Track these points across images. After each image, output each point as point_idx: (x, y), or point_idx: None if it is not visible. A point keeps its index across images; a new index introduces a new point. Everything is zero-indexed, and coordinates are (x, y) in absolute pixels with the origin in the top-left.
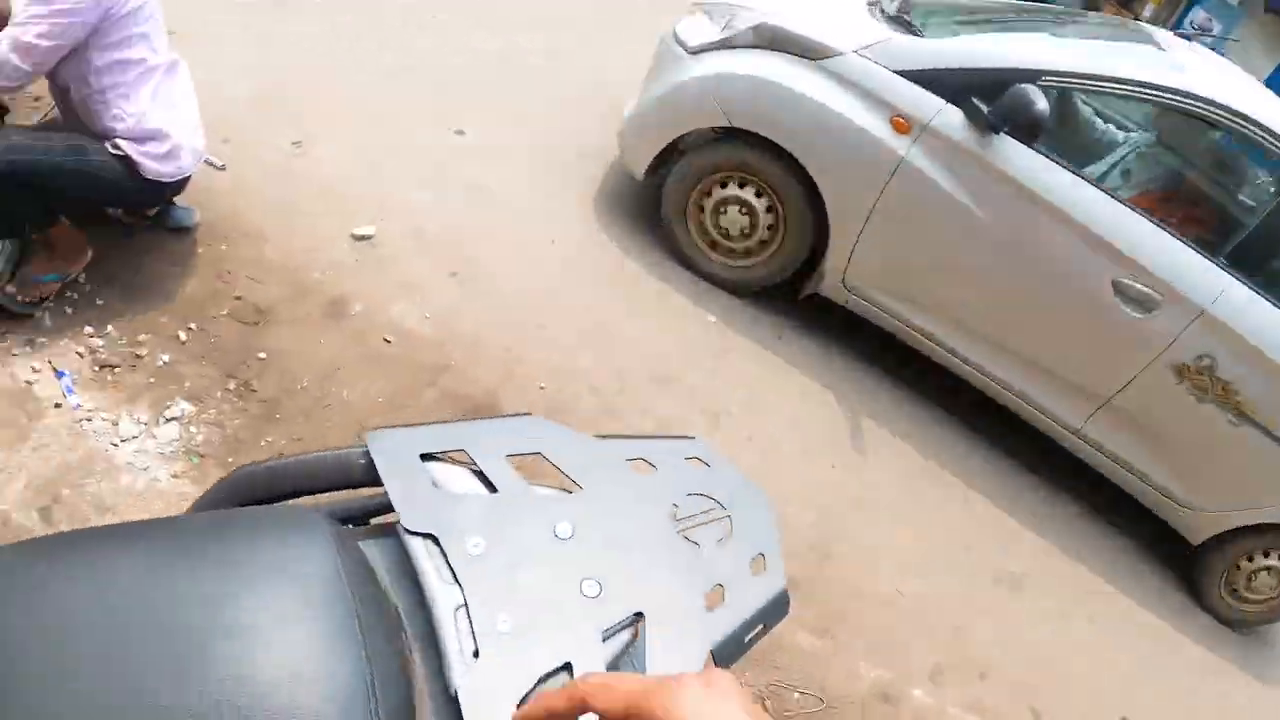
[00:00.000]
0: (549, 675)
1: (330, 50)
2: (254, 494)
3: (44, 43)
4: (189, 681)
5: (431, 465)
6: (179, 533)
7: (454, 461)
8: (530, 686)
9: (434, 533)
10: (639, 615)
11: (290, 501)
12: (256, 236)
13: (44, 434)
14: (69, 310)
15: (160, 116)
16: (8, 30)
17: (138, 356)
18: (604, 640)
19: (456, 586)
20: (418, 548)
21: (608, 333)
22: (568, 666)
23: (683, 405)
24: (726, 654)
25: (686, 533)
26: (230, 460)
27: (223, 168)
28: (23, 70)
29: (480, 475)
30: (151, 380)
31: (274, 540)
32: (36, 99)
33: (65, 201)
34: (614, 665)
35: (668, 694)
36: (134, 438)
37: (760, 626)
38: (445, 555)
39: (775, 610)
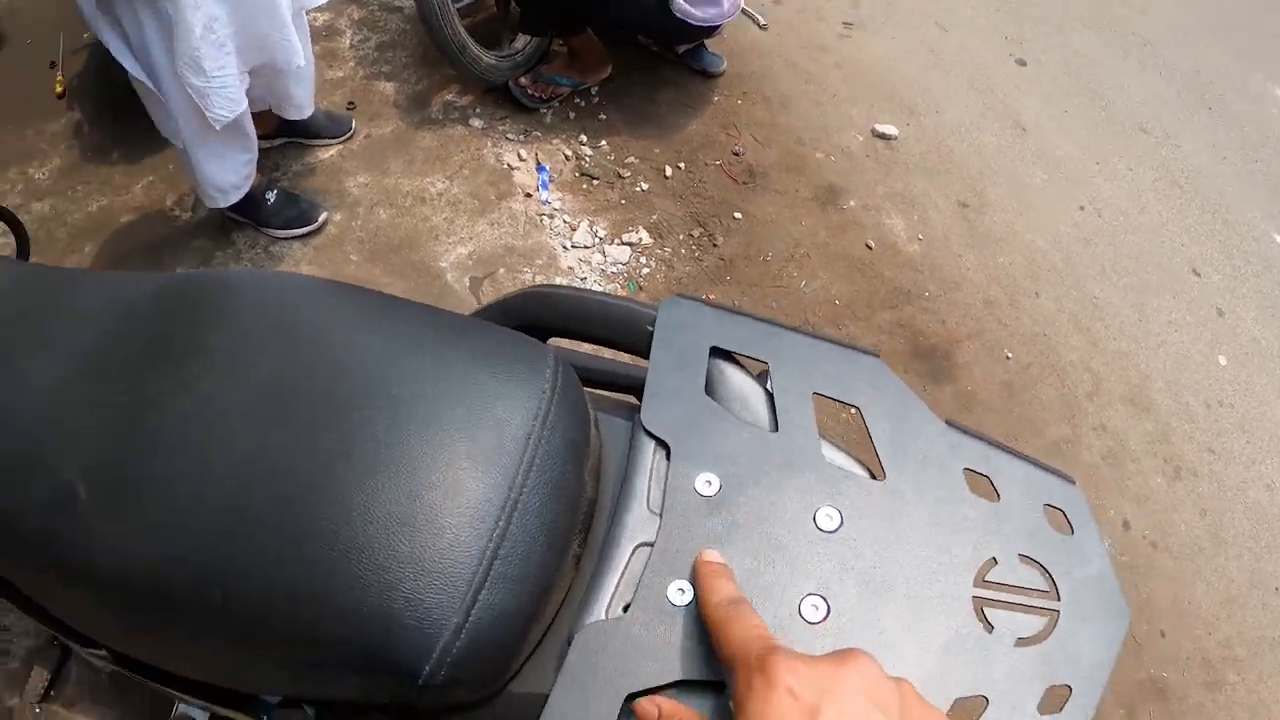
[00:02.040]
0: (692, 684)
1: None
2: (537, 315)
3: None
4: (354, 432)
5: (720, 364)
6: (429, 320)
7: (748, 370)
8: (659, 684)
9: (669, 444)
10: None
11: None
12: (775, 102)
13: (505, 214)
14: (571, 115)
15: None
16: None
17: (619, 176)
18: None
19: (656, 520)
20: (643, 452)
21: (1107, 329)
22: (720, 686)
23: (1152, 442)
24: None
25: (986, 606)
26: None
27: (764, 26)
28: None
29: (772, 400)
30: (623, 201)
31: (496, 362)
32: None
33: (596, 17)
34: None
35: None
36: (585, 247)
37: None
38: (667, 476)
39: None
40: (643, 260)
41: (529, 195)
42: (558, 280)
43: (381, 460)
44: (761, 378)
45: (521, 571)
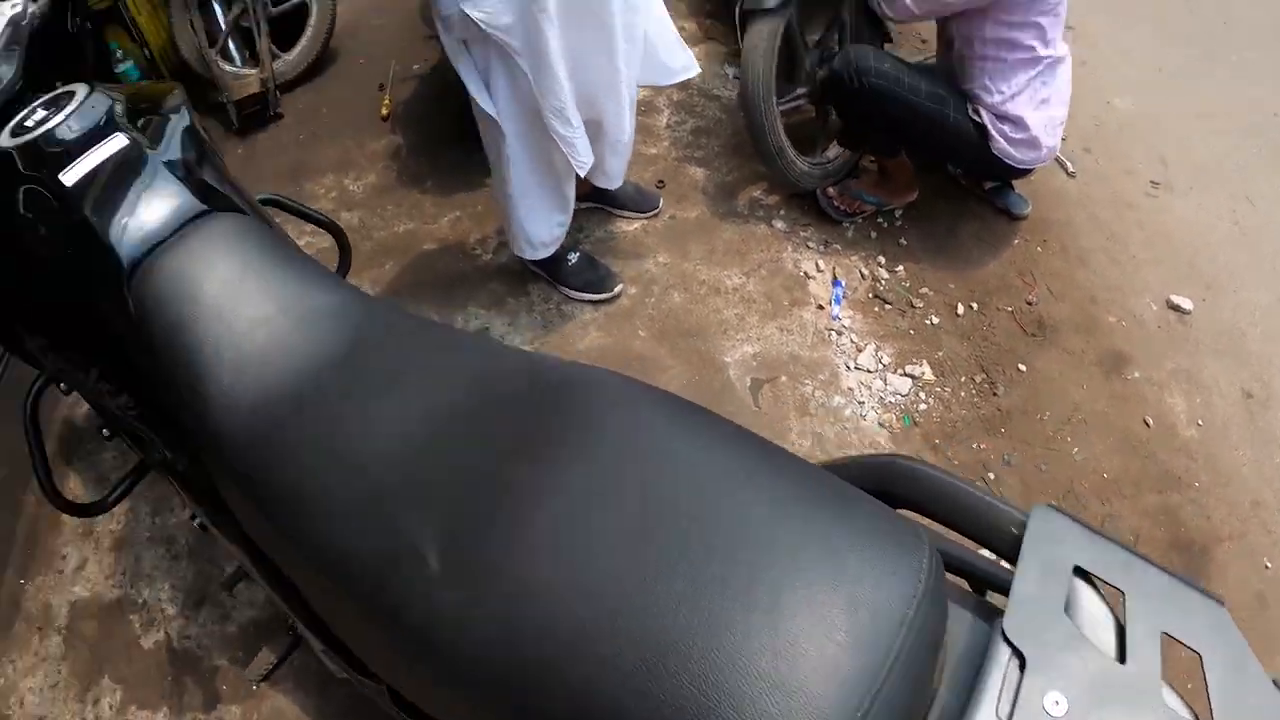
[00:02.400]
0: None
1: (1225, 102)
2: (896, 486)
3: None
4: (730, 578)
5: (1078, 584)
6: (803, 478)
7: (1104, 595)
8: None
9: (1026, 656)
10: None
11: (910, 513)
12: (1074, 254)
13: (795, 322)
14: (873, 234)
15: (1027, 107)
16: None
17: (912, 305)
18: None
19: None
20: (999, 659)
21: None
22: None
23: None
24: None
25: None
26: (936, 442)
27: (1073, 174)
28: (910, 10)
29: (1122, 631)
30: (911, 332)
31: (872, 539)
32: (923, 40)
33: (910, 141)
34: None
35: None
36: (868, 371)
37: None
38: (1019, 687)
39: None
40: (921, 395)
41: (821, 307)
42: (836, 399)
43: (759, 612)
44: (1114, 604)
45: None
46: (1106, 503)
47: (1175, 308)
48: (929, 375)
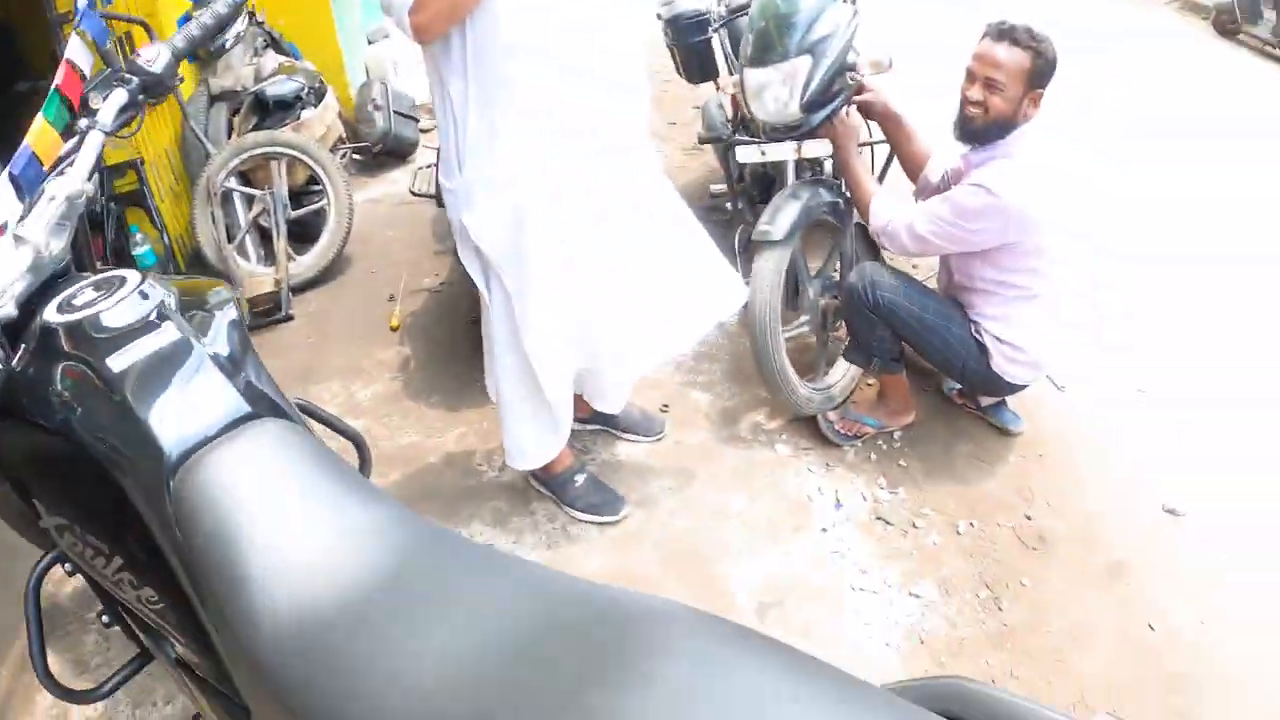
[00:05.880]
0: None
1: (1207, 303)
2: (962, 707)
3: (933, 240)
4: None
5: None
6: (874, 704)
7: None
8: None
9: None
10: None
11: None
12: (1069, 468)
13: (798, 546)
14: (873, 457)
15: (1025, 334)
16: (918, 208)
17: (914, 525)
18: None
19: None
20: None
21: None
22: None
23: None
24: None
25: None
26: (944, 660)
27: (1063, 388)
28: (907, 249)
29: None
30: (914, 552)
31: None
32: (914, 266)
33: (920, 353)
34: None
35: None
36: (873, 592)
37: None
38: None
39: None
40: (926, 614)
41: (824, 530)
42: (843, 622)
43: None
44: None
45: None
46: (1119, 710)
47: (1171, 512)
48: (933, 594)
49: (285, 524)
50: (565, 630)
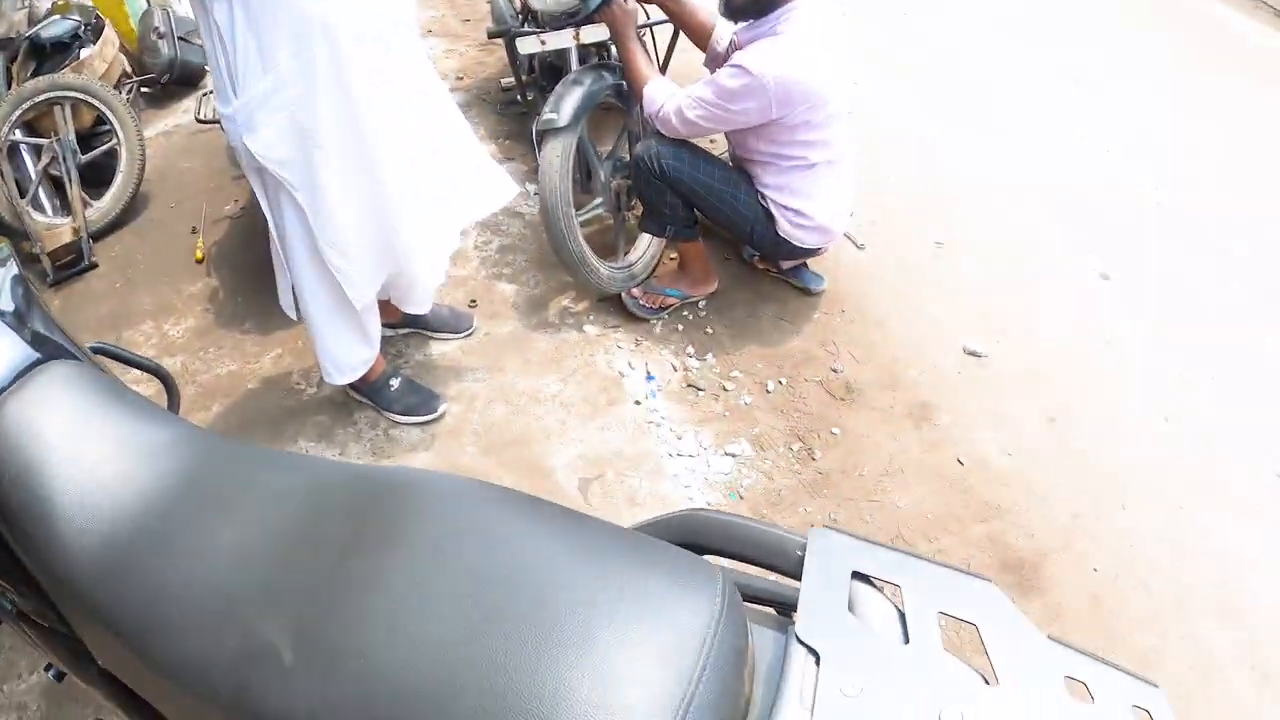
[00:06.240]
0: None
1: (996, 161)
2: (696, 535)
3: (701, 123)
4: (552, 627)
5: (859, 585)
6: (604, 532)
7: (883, 591)
8: None
9: (819, 652)
10: None
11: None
12: (872, 320)
13: (614, 420)
14: (680, 327)
15: (806, 201)
16: (685, 92)
17: (724, 389)
18: None
19: (808, 715)
20: (797, 658)
21: (1193, 539)
22: None
23: (1240, 651)
24: None
25: None
26: (764, 511)
27: (862, 247)
28: (679, 132)
29: (903, 617)
30: (726, 414)
31: (670, 576)
32: (711, 141)
33: (711, 220)
34: None
35: None
36: (690, 456)
37: None
38: (817, 680)
39: None
40: (744, 471)
41: (638, 403)
42: (663, 487)
43: (576, 648)
44: (894, 598)
45: None
46: (934, 540)
47: (972, 353)
48: (748, 451)
49: (84, 456)
50: (338, 511)
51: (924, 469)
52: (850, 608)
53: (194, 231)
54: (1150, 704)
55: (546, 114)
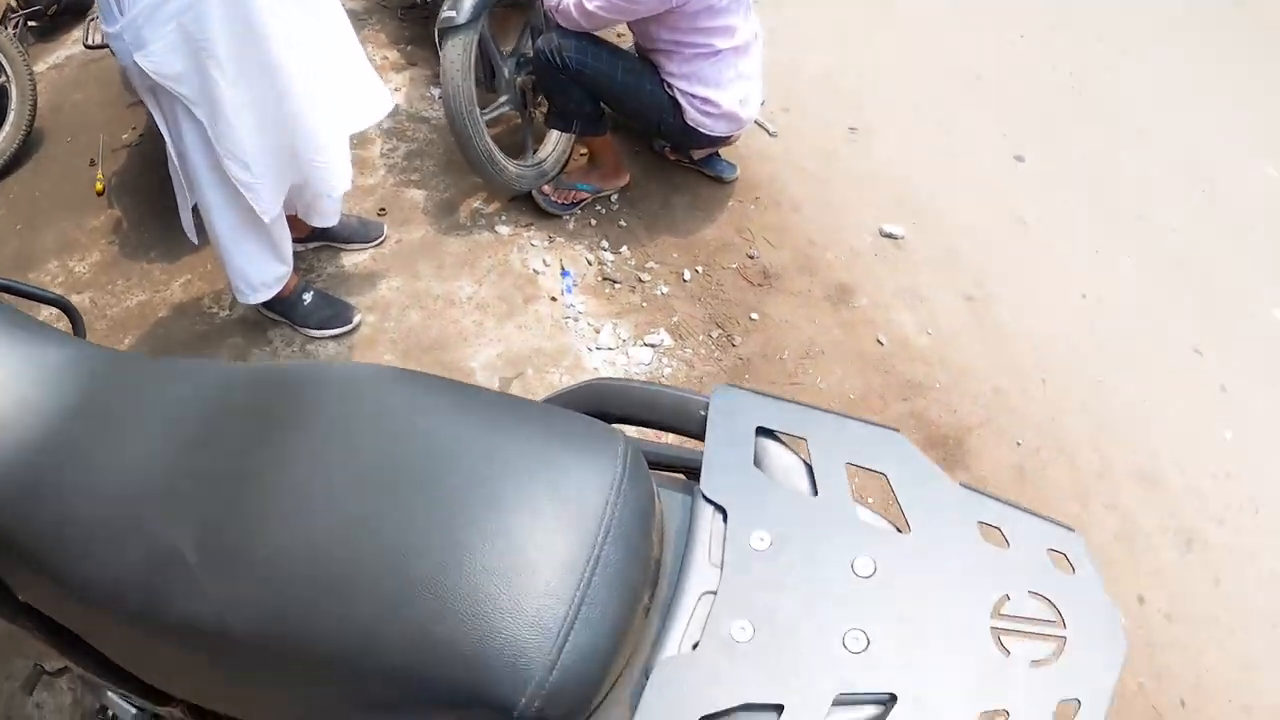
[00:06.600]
0: (755, 707)
1: (908, 48)
2: (601, 404)
3: (601, 14)
4: (451, 499)
5: (765, 441)
6: (505, 405)
7: (791, 447)
8: (727, 708)
9: (726, 508)
10: (892, 698)
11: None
12: (787, 206)
13: (531, 317)
14: (593, 222)
15: (713, 89)
16: None
17: (640, 280)
18: (835, 703)
19: (717, 571)
20: (704, 516)
21: (1113, 411)
22: (779, 708)
23: (1162, 517)
24: None
25: (1003, 634)
26: None
27: (774, 134)
28: (580, 25)
29: (811, 471)
30: (644, 304)
31: (573, 442)
32: (619, 35)
33: (617, 112)
34: None
35: None
36: (609, 349)
37: None
38: (725, 536)
39: None
40: (664, 361)
41: (554, 299)
42: (584, 378)
43: (478, 520)
44: (801, 452)
45: (604, 616)
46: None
47: (889, 235)
48: (668, 341)
49: None
50: (238, 410)
51: (844, 350)
52: (757, 463)
53: (92, 164)
54: (1067, 547)
55: (445, 12)
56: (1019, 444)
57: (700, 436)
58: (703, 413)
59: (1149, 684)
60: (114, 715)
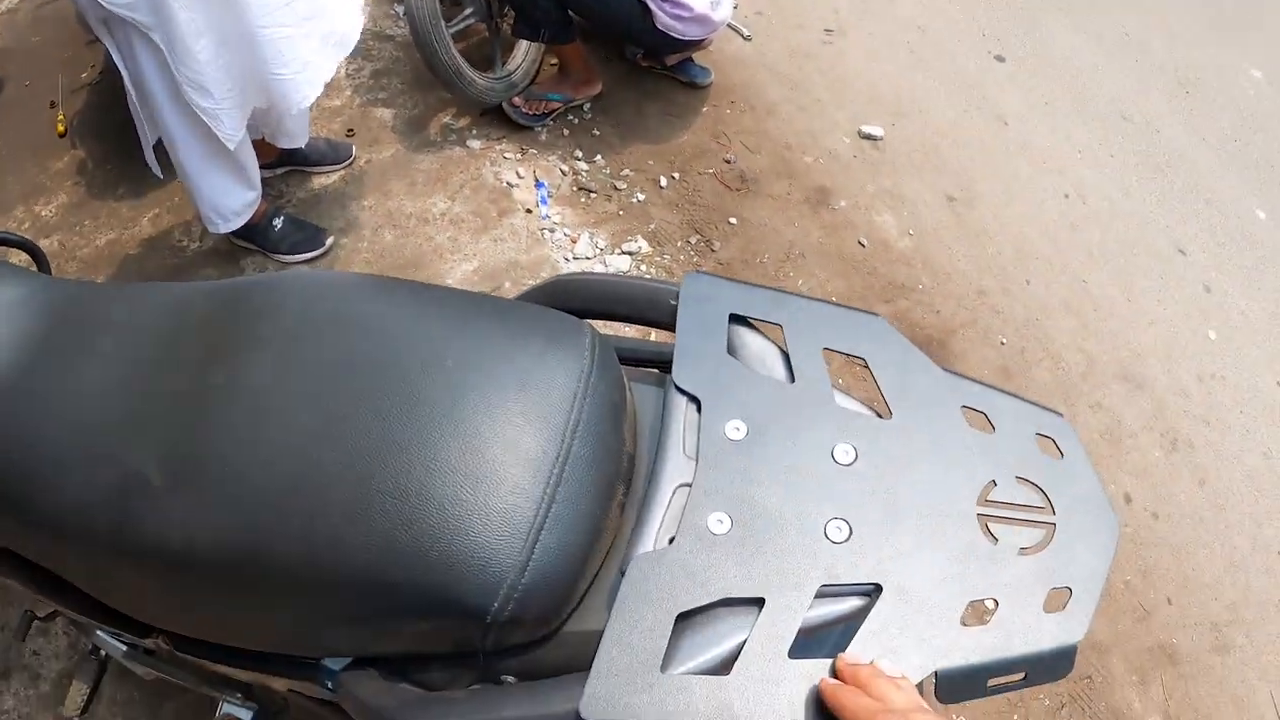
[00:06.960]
0: (735, 602)
1: None
2: (570, 299)
3: None
4: (414, 399)
5: (739, 328)
6: (467, 302)
7: (766, 334)
8: (705, 603)
9: (699, 398)
10: (876, 588)
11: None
12: (763, 110)
13: (507, 231)
14: (566, 132)
15: None
16: None
17: (615, 188)
18: (817, 595)
19: (693, 463)
20: (677, 407)
21: (1098, 311)
22: (760, 602)
23: (1148, 417)
24: (954, 688)
25: (990, 522)
26: None
27: (749, 38)
28: None
29: (787, 357)
30: (621, 213)
31: (539, 337)
32: None
33: (586, 19)
34: (814, 631)
35: None
36: (587, 259)
37: (1019, 676)
38: (700, 426)
39: (1048, 666)
40: (643, 268)
41: (529, 211)
42: None
43: (441, 421)
44: (776, 339)
45: (575, 513)
46: None
47: (868, 137)
48: (646, 248)
49: None
50: (195, 329)
51: (825, 253)
52: (731, 351)
53: (53, 106)
54: (1054, 432)
55: None
56: (1003, 343)
57: (670, 326)
58: (674, 302)
59: (1135, 582)
60: (105, 653)
